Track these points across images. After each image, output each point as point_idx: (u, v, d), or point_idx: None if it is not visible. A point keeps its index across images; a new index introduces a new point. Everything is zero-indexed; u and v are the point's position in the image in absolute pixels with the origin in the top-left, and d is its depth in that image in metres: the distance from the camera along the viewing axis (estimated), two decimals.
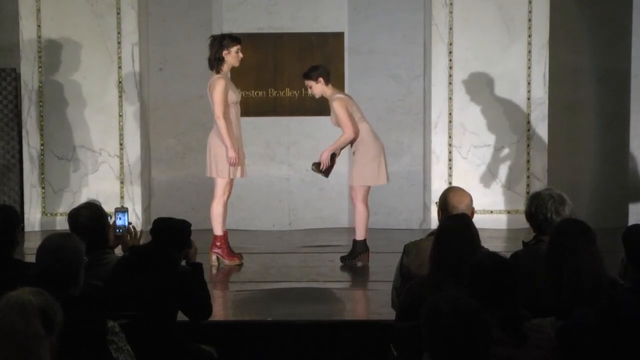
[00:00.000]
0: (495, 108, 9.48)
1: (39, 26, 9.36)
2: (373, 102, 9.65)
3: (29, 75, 9.38)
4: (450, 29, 9.45)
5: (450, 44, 9.47)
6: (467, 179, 9.32)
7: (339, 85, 9.50)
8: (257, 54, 9.76)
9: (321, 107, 8.18)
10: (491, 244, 7.59)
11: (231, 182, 7.92)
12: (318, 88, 7.92)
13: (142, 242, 5.43)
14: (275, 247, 9.04)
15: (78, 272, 4.15)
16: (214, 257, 7.93)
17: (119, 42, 9.41)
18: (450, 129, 9.49)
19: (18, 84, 9.50)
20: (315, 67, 8.06)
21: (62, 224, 8.79)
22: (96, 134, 9.43)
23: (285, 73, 9.90)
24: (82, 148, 9.42)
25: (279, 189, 9.97)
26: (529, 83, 9.45)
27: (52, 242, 4.20)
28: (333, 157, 7.92)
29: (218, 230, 7.93)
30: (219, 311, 6.45)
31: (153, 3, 9.82)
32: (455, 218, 4.80)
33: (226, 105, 7.73)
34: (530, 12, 9.40)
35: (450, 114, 9.49)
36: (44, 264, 4.16)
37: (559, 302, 4.24)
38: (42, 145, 9.42)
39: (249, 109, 9.51)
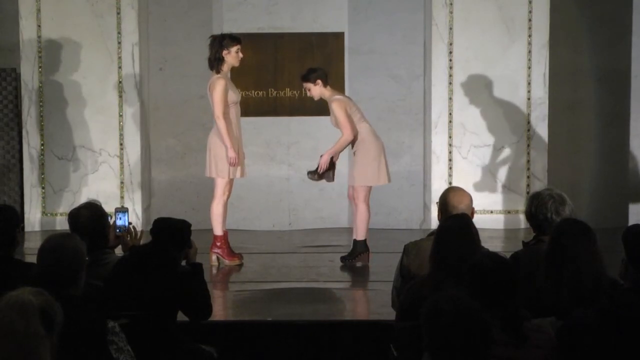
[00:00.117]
0: (495, 108, 9.48)
1: (39, 26, 9.36)
2: (373, 102, 9.65)
3: (29, 75, 9.38)
4: (451, 29, 9.45)
5: (451, 44, 9.47)
6: (467, 179, 9.32)
7: (339, 85, 9.51)
8: (257, 54, 9.76)
9: (321, 107, 8.18)
10: (491, 244, 7.60)
11: (231, 182, 7.92)
12: (316, 90, 7.93)
13: (142, 242, 5.43)
14: (275, 247, 9.04)
15: (78, 272, 4.15)
16: (214, 257, 7.93)
17: (119, 42, 9.42)
18: (450, 129, 9.50)
19: (18, 84, 9.50)
20: (313, 69, 8.06)
21: (62, 224, 8.79)
22: (96, 134, 9.43)
23: (286, 73, 9.90)
24: (82, 148, 9.43)
25: (279, 189, 9.97)
26: (529, 83, 9.45)
27: (52, 242, 4.21)
28: (331, 159, 7.94)
29: (218, 230, 7.93)
30: (219, 311, 6.46)
31: (153, 3, 9.82)
32: (455, 218, 4.80)
33: (226, 105, 7.73)
34: (530, 12, 9.40)
35: (450, 114, 9.49)
36: (45, 264, 4.17)
37: (559, 302, 4.24)
38: (42, 145, 9.42)
39: (249, 109, 9.51)
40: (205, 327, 5.47)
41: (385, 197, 9.41)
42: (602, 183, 10.01)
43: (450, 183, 9.32)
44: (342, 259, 8.05)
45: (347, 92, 9.53)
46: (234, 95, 7.81)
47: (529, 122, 9.47)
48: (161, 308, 4.80)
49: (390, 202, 9.73)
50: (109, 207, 6.07)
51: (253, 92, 9.94)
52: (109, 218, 5.39)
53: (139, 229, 5.72)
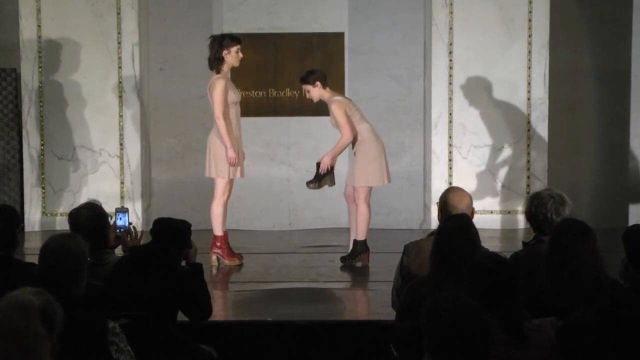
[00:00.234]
0: (496, 108, 9.48)
1: (39, 26, 9.36)
2: (373, 102, 9.65)
3: (29, 75, 9.38)
4: (451, 29, 9.45)
5: (451, 44, 9.47)
6: (467, 179, 9.32)
7: (339, 85, 9.51)
8: (257, 54, 9.76)
9: (321, 108, 8.18)
10: (491, 244, 7.61)
11: (231, 182, 7.92)
12: (316, 92, 7.93)
13: (142, 242, 5.43)
14: (275, 247, 9.04)
15: (79, 272, 4.15)
16: (214, 257, 7.93)
17: (119, 42, 9.42)
18: (450, 129, 9.50)
19: (18, 84, 9.50)
20: (311, 71, 8.06)
21: (62, 224, 8.79)
22: (96, 134, 9.43)
23: (286, 73, 9.90)
24: (82, 148, 9.43)
25: (279, 189, 9.97)
26: (529, 83, 9.44)
27: (54, 243, 4.21)
28: (320, 164, 7.97)
29: (218, 231, 7.93)
30: (219, 311, 6.45)
31: (153, 3, 9.82)
32: (456, 218, 4.80)
33: (226, 105, 7.73)
34: (530, 12, 9.40)
35: (450, 114, 9.49)
36: (45, 264, 4.17)
37: (559, 302, 4.24)
38: (42, 145, 9.42)
39: (249, 109, 9.51)
40: (205, 327, 5.48)
41: (385, 197, 9.41)
42: (602, 183, 10.01)
43: (450, 183, 9.32)
44: (342, 259, 8.05)
45: (347, 92, 9.55)
46: (234, 96, 7.81)
47: (529, 122, 9.47)
48: (161, 308, 4.80)
49: (390, 202, 9.73)
50: (109, 207, 6.07)
51: (253, 92, 9.94)
52: (109, 218, 5.39)
53: (139, 229, 5.72)
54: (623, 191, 9.79)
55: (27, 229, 9.28)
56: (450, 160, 9.52)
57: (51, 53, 9.38)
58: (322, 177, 7.96)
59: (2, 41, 9.88)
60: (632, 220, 9.18)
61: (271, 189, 9.97)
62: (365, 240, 7.96)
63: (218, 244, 7.93)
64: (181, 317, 5.01)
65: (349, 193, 8.02)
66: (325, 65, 9.67)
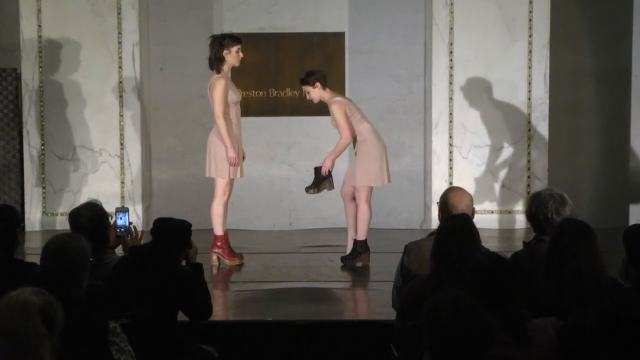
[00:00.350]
0: (496, 108, 9.48)
1: (40, 26, 9.36)
2: (374, 102, 9.65)
3: (29, 75, 9.39)
4: (451, 28, 9.45)
5: (451, 44, 9.47)
6: (468, 179, 9.33)
7: (339, 85, 9.52)
8: (258, 53, 9.76)
9: (321, 107, 8.18)
10: (492, 244, 7.61)
11: (231, 182, 7.92)
12: (316, 93, 7.93)
13: (142, 242, 5.43)
14: (275, 247, 9.04)
15: (80, 273, 4.14)
16: (214, 257, 7.93)
17: (119, 42, 9.41)
18: (450, 128, 9.49)
19: (19, 84, 9.50)
20: (311, 72, 8.06)
21: (62, 223, 8.79)
22: (97, 134, 9.43)
23: (286, 73, 9.90)
24: (82, 148, 9.43)
25: (280, 189, 9.97)
26: (529, 83, 9.44)
27: (55, 243, 4.21)
28: (319, 170, 7.97)
29: (218, 230, 7.92)
30: (220, 311, 6.45)
31: (153, 3, 9.82)
32: (456, 218, 4.80)
33: (226, 105, 7.73)
34: (530, 12, 9.39)
35: (450, 113, 9.49)
36: (46, 264, 4.17)
37: (559, 302, 4.24)
38: (42, 145, 9.42)
39: (249, 109, 9.51)
40: (205, 327, 5.48)
41: (386, 197, 9.41)
42: (603, 183, 10.01)
43: (450, 183, 9.32)
44: (343, 259, 8.05)
45: (347, 92, 9.55)
46: (234, 96, 7.81)
47: (529, 122, 9.47)
48: (161, 308, 4.80)
49: (390, 202, 9.73)
50: (109, 207, 6.07)
51: (253, 92, 9.94)
52: (110, 218, 5.39)
53: (139, 229, 5.72)
54: (623, 191, 9.79)
55: (28, 228, 9.29)
56: (450, 160, 9.52)
57: (52, 53, 9.38)
58: (321, 182, 7.98)
59: (2, 41, 9.88)
60: (633, 220, 9.17)
61: (272, 188, 9.97)
62: (365, 240, 7.96)
63: (218, 243, 7.93)
64: (182, 316, 5.01)
65: (346, 191, 8.02)
66: (326, 65, 9.68)
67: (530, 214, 5.06)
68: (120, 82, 9.43)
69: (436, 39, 9.48)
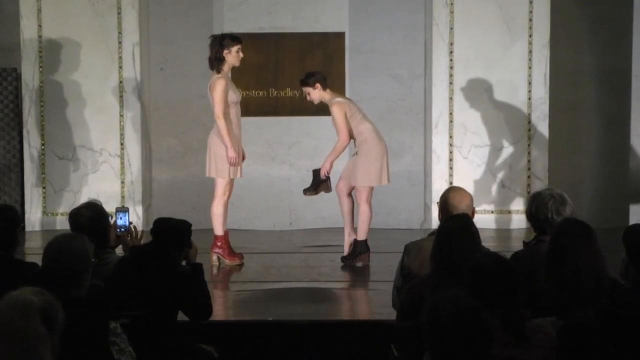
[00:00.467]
0: (496, 108, 9.48)
1: (40, 26, 9.36)
2: (374, 102, 9.65)
3: (29, 75, 9.39)
4: (451, 28, 9.45)
5: (451, 44, 9.47)
6: (468, 178, 9.33)
7: (339, 85, 9.52)
8: (258, 53, 9.76)
9: (322, 107, 8.18)
10: (492, 244, 7.61)
11: (231, 182, 7.92)
12: (316, 94, 7.93)
13: (142, 242, 5.43)
14: (276, 247, 9.04)
15: (81, 273, 4.14)
16: (214, 257, 7.93)
17: (119, 42, 9.42)
18: (451, 128, 9.50)
19: (19, 84, 9.50)
20: (311, 73, 8.06)
21: (62, 223, 8.79)
22: (97, 134, 9.43)
23: (286, 73, 9.90)
24: (82, 148, 9.43)
25: (280, 189, 9.97)
26: (529, 83, 9.44)
27: (57, 243, 4.21)
28: (318, 173, 7.98)
29: (219, 230, 7.92)
30: (220, 311, 6.45)
31: (154, 3, 9.82)
32: (456, 218, 4.80)
33: (226, 105, 7.73)
34: (531, 12, 9.39)
35: (451, 113, 9.49)
36: (48, 264, 4.17)
37: (559, 302, 4.24)
38: (42, 145, 9.42)
39: (249, 108, 9.52)
40: (205, 327, 5.47)
41: (386, 197, 9.41)
42: (603, 183, 10.01)
43: (450, 183, 9.32)
44: (343, 258, 8.05)
45: (347, 92, 9.55)
46: (234, 96, 7.81)
47: (529, 122, 9.47)
48: (161, 308, 4.80)
49: (390, 202, 9.73)
50: (109, 207, 6.07)
51: (254, 92, 9.94)
52: (110, 218, 5.39)
53: (139, 228, 5.72)
54: (624, 191, 9.79)
55: (28, 228, 9.29)
56: (450, 160, 9.52)
57: (52, 53, 9.38)
58: (319, 185, 8.00)
59: (2, 41, 9.88)
60: (633, 220, 9.17)
61: (272, 188, 9.97)
62: (365, 240, 7.96)
63: (219, 243, 7.93)
64: (182, 316, 5.01)
65: (341, 187, 8.01)
66: (326, 65, 9.68)
67: (530, 214, 5.06)
68: (121, 82, 9.43)
69: (436, 39, 9.48)
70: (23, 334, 3.20)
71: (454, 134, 9.50)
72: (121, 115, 9.46)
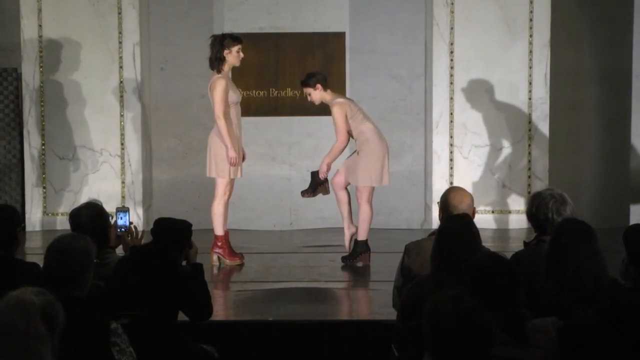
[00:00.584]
0: (497, 108, 9.48)
1: (40, 26, 9.36)
2: (374, 102, 9.65)
3: (30, 75, 9.39)
4: (452, 28, 9.45)
5: (452, 44, 9.47)
6: (468, 178, 9.33)
7: (340, 85, 9.51)
8: (258, 53, 9.76)
9: (322, 107, 8.18)
10: (492, 244, 7.62)
11: (232, 182, 7.92)
12: (317, 94, 7.93)
13: (143, 242, 5.43)
14: (276, 247, 9.04)
15: (82, 274, 4.13)
16: (215, 257, 7.93)
17: (120, 42, 9.42)
18: (451, 128, 9.49)
19: (19, 84, 9.50)
20: (312, 73, 8.06)
21: (63, 223, 8.79)
22: (97, 134, 9.43)
23: (287, 73, 9.90)
24: (83, 148, 9.43)
25: (280, 189, 9.97)
26: (530, 83, 9.44)
27: (58, 243, 4.20)
28: (316, 175, 7.98)
29: (219, 230, 7.92)
30: (220, 311, 6.45)
31: (154, 3, 9.82)
32: (456, 218, 4.80)
33: (227, 105, 7.73)
34: (531, 12, 9.39)
35: (451, 113, 9.49)
36: (49, 264, 4.17)
37: (560, 302, 4.24)
38: (43, 145, 9.42)
39: (250, 108, 9.52)
40: (206, 327, 5.47)
41: (386, 197, 9.41)
42: (603, 183, 10.01)
43: (451, 183, 9.32)
44: (343, 258, 8.05)
45: (348, 92, 9.55)
46: (235, 96, 7.81)
47: (530, 122, 9.46)
48: (162, 308, 4.80)
49: (391, 202, 9.73)
50: (109, 207, 6.08)
51: (254, 92, 9.94)
52: (110, 218, 5.39)
53: (139, 228, 5.72)
54: (624, 191, 9.78)
55: (28, 228, 9.28)
56: (451, 160, 9.52)
57: (52, 53, 9.38)
58: (317, 187, 8.00)
59: (3, 41, 9.88)
60: (633, 220, 9.17)
61: (272, 188, 9.98)
62: (366, 240, 7.96)
63: (219, 243, 7.93)
64: (182, 316, 5.01)
65: (337, 181, 7.99)
66: (326, 65, 9.69)
67: (530, 214, 5.06)
68: (121, 82, 9.43)
69: (437, 39, 9.48)
70: (23, 334, 3.20)
71: (455, 134, 9.50)
72: (121, 115, 9.46)
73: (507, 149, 9.50)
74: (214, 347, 5.28)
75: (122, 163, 9.47)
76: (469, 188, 6.53)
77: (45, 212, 9.45)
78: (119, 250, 5.45)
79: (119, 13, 9.39)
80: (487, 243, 5.26)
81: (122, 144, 9.46)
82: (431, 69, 9.57)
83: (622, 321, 3.80)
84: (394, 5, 9.90)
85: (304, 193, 8.08)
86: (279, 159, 9.98)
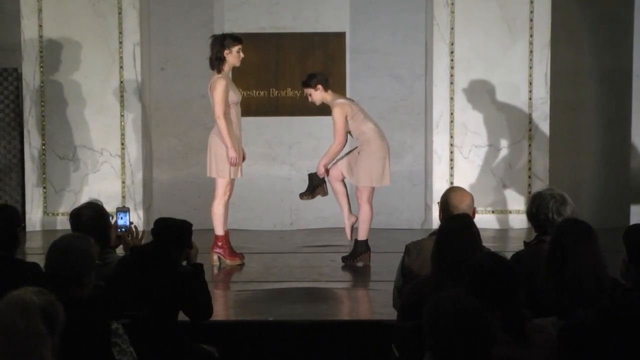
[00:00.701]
0: (497, 108, 9.48)
1: (41, 26, 9.36)
2: (375, 102, 9.65)
3: (30, 75, 9.39)
4: (452, 28, 9.44)
5: (452, 44, 9.47)
6: (469, 178, 9.33)
7: (340, 85, 9.52)
8: (259, 53, 9.76)
9: (323, 107, 8.18)
10: (492, 244, 7.60)
11: (232, 182, 7.92)
12: (318, 95, 7.93)
13: (143, 242, 5.43)
14: (276, 247, 9.04)
15: (84, 274, 4.12)
16: (215, 257, 7.93)
17: (120, 42, 9.42)
18: (451, 128, 9.49)
19: (19, 84, 9.50)
20: (313, 74, 8.06)
21: (63, 223, 8.79)
22: (97, 134, 9.43)
23: (287, 73, 9.91)
24: (83, 148, 9.43)
25: (281, 189, 9.97)
26: (530, 83, 9.44)
27: (60, 243, 4.20)
28: (314, 176, 7.98)
29: (219, 230, 7.93)
30: (221, 311, 6.45)
31: (155, 3, 9.82)
32: (457, 218, 4.80)
33: (227, 105, 7.72)
34: (531, 12, 9.39)
35: (451, 113, 9.49)
36: (50, 264, 4.16)
37: (560, 302, 4.24)
38: (43, 145, 9.42)
39: (250, 108, 9.52)
40: (206, 327, 5.48)
41: (387, 197, 9.41)
42: (604, 183, 10.01)
43: (451, 183, 9.32)
44: (344, 258, 8.05)
45: (348, 92, 9.55)
46: (235, 96, 7.81)
47: (530, 122, 9.46)
48: (162, 308, 4.80)
49: (391, 202, 9.73)
50: (110, 207, 6.08)
51: (254, 92, 9.94)
52: (111, 218, 5.39)
53: (140, 228, 5.72)
54: (624, 191, 9.79)
55: (29, 228, 9.27)
56: (451, 160, 9.51)
57: (52, 53, 9.38)
58: (315, 188, 8.00)
59: (3, 41, 9.88)
60: (634, 220, 9.17)
61: (272, 188, 9.98)
62: (366, 240, 7.96)
63: (219, 243, 7.93)
64: (182, 316, 5.01)
65: (334, 174, 7.98)
66: (327, 65, 9.69)
67: (531, 214, 5.06)
68: (121, 82, 9.43)
69: (437, 39, 9.48)
70: (24, 334, 3.20)
71: (455, 134, 9.50)
72: (122, 115, 9.46)
73: (507, 149, 9.50)
74: (214, 347, 5.29)
75: (123, 163, 9.47)
76: (469, 188, 6.53)
77: (45, 212, 9.46)
78: (120, 250, 5.45)
79: (120, 13, 9.39)
80: (487, 243, 5.25)
81: (122, 144, 9.46)
82: (431, 69, 9.57)
83: (622, 321, 3.80)
84: (394, 5, 9.90)
85: (303, 195, 8.08)
86: (279, 159, 9.98)
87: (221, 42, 7.79)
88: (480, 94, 9.47)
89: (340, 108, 7.85)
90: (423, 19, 9.82)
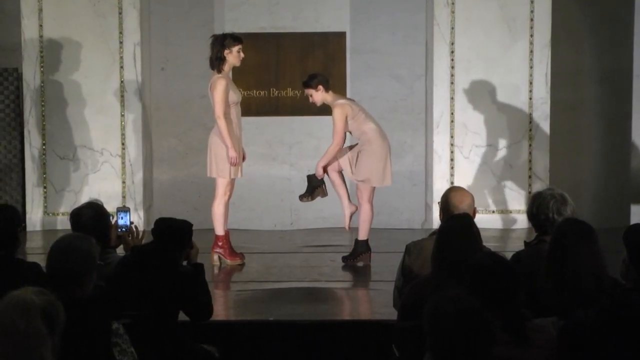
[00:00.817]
0: (497, 108, 9.48)
1: (41, 26, 9.36)
2: (375, 102, 9.65)
3: (30, 75, 9.39)
4: (452, 28, 9.44)
5: (452, 44, 9.47)
6: (469, 178, 9.33)
7: (341, 85, 9.52)
8: (259, 53, 9.76)
9: (323, 107, 8.17)
10: (493, 244, 7.59)
11: (232, 182, 7.92)
12: (318, 96, 7.93)
13: (144, 242, 5.43)
14: (277, 247, 9.04)
15: (85, 274, 4.12)
16: (215, 257, 7.93)
17: (120, 42, 9.42)
18: (452, 128, 9.49)
19: (20, 84, 9.50)
20: (313, 75, 8.05)
21: (63, 223, 8.79)
22: (98, 134, 9.43)
23: (287, 73, 9.91)
24: (83, 148, 9.43)
25: (281, 189, 9.98)
26: (530, 83, 9.44)
27: (61, 243, 4.20)
28: (312, 178, 7.98)
29: (220, 230, 7.93)
30: (221, 311, 6.45)
31: (155, 3, 9.83)
32: (457, 218, 4.80)
33: (227, 105, 7.72)
34: (532, 12, 9.39)
35: (452, 113, 9.49)
36: (51, 264, 4.17)
37: (560, 302, 4.24)
38: (43, 145, 9.42)
39: (250, 108, 9.52)
40: (206, 327, 5.47)
41: (387, 197, 9.41)
42: (604, 183, 10.01)
43: (452, 183, 9.32)
44: (344, 258, 8.05)
45: (348, 92, 9.55)
46: (235, 96, 7.81)
47: (530, 122, 9.46)
48: (162, 308, 4.81)
49: (392, 202, 9.74)
50: (110, 207, 6.08)
51: (254, 91, 9.94)
52: (111, 218, 5.39)
53: (140, 228, 5.72)
54: (625, 191, 9.79)
55: (29, 228, 9.27)
56: (452, 160, 9.52)
57: (53, 53, 9.38)
58: (315, 190, 7.99)
59: (3, 41, 9.88)
60: (634, 220, 9.17)
61: (273, 188, 9.98)
62: (367, 240, 7.96)
63: (220, 243, 7.93)
64: (182, 316, 5.01)
65: (332, 165, 7.97)
66: (327, 65, 9.69)
67: (531, 214, 5.06)
68: (122, 82, 9.43)
69: (437, 38, 9.48)
70: (24, 334, 3.20)
71: (455, 134, 9.50)
72: (122, 115, 9.46)
73: (507, 148, 9.50)
74: (214, 347, 5.29)
75: (123, 163, 9.47)
76: (469, 188, 6.53)
77: (45, 212, 9.46)
78: (120, 250, 5.45)
79: (120, 13, 9.39)
80: (488, 243, 5.25)
81: (122, 144, 9.47)
82: (432, 69, 9.58)
83: (622, 321, 3.80)
84: (394, 5, 9.91)
85: (302, 197, 8.07)
86: (280, 158, 9.99)
87: (221, 42, 7.79)
88: (481, 94, 9.47)
89: (340, 108, 7.85)
90: (423, 19, 9.83)
